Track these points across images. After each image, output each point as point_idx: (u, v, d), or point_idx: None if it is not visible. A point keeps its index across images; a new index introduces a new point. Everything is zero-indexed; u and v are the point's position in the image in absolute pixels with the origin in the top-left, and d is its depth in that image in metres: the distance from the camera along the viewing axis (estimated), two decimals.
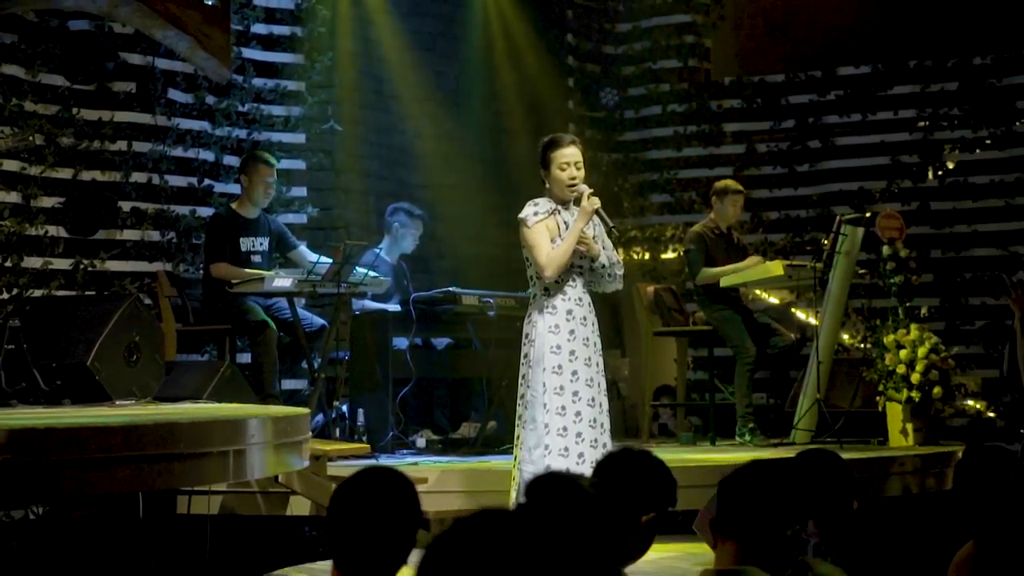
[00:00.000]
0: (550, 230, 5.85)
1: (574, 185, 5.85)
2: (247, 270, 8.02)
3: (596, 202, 5.84)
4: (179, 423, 4.81)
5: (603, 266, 5.92)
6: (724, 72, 11.67)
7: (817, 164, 11.11)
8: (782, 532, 3.13)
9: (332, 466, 7.00)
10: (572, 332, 5.80)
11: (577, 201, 5.87)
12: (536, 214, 5.86)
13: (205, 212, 9.01)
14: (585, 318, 5.87)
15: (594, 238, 5.92)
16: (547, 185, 5.93)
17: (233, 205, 8.36)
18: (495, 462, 7.69)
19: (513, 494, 5.78)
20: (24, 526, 6.06)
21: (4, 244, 8.22)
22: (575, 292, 5.87)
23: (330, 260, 8.02)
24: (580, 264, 5.90)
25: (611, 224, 5.99)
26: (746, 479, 3.17)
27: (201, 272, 8.41)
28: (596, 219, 5.96)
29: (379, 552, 2.85)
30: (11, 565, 5.70)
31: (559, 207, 5.91)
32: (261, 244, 8.24)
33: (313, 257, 8.21)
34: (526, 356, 5.84)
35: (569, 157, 5.87)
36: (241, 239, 8.15)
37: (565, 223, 5.87)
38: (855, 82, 11.08)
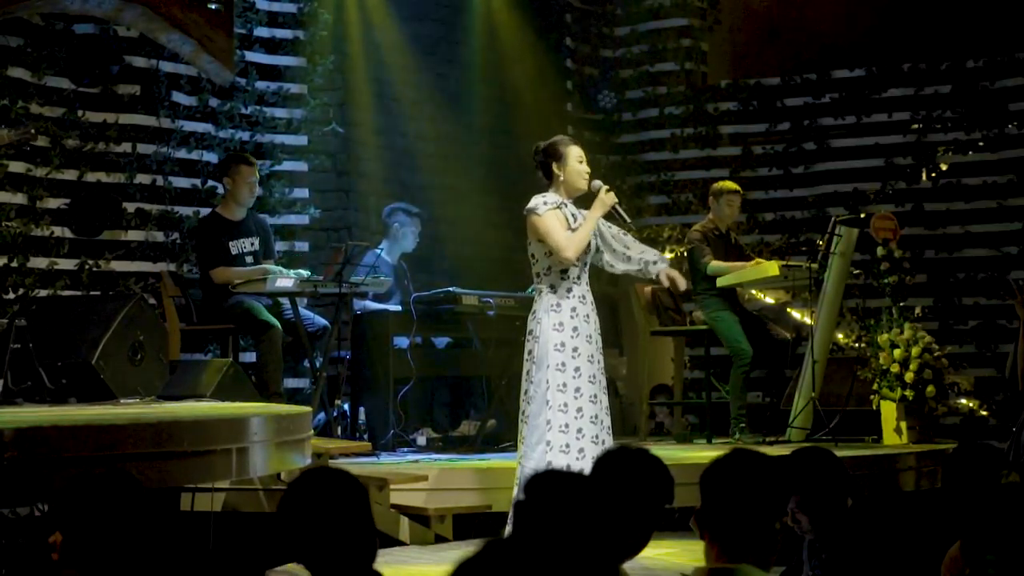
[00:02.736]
0: (559, 220, 5.95)
1: (588, 178, 6.02)
2: (247, 269, 8.09)
3: (613, 198, 6.01)
4: (183, 421, 4.85)
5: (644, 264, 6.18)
6: (720, 75, 11.74)
7: (812, 166, 11.17)
8: (764, 526, 3.10)
9: (334, 464, 7.09)
10: (576, 329, 5.88)
11: (587, 197, 6.02)
12: (546, 203, 5.95)
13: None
14: (588, 316, 5.95)
15: (602, 237, 6.09)
16: (561, 178, 5.99)
17: (217, 209, 8.38)
18: (495, 460, 7.76)
19: (515, 490, 5.87)
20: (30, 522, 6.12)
21: (10, 245, 8.27)
22: (579, 289, 5.96)
23: (292, 278, 7.99)
24: (584, 260, 6.01)
25: (629, 220, 6.21)
26: (725, 472, 3.17)
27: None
28: (601, 221, 6.09)
29: (335, 552, 2.90)
30: (16, 561, 5.76)
31: (565, 201, 6.01)
32: (252, 244, 8.27)
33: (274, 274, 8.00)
34: (530, 353, 5.90)
35: (582, 154, 6.05)
36: (230, 243, 8.17)
37: (572, 216, 5.97)
38: (850, 85, 11.14)
